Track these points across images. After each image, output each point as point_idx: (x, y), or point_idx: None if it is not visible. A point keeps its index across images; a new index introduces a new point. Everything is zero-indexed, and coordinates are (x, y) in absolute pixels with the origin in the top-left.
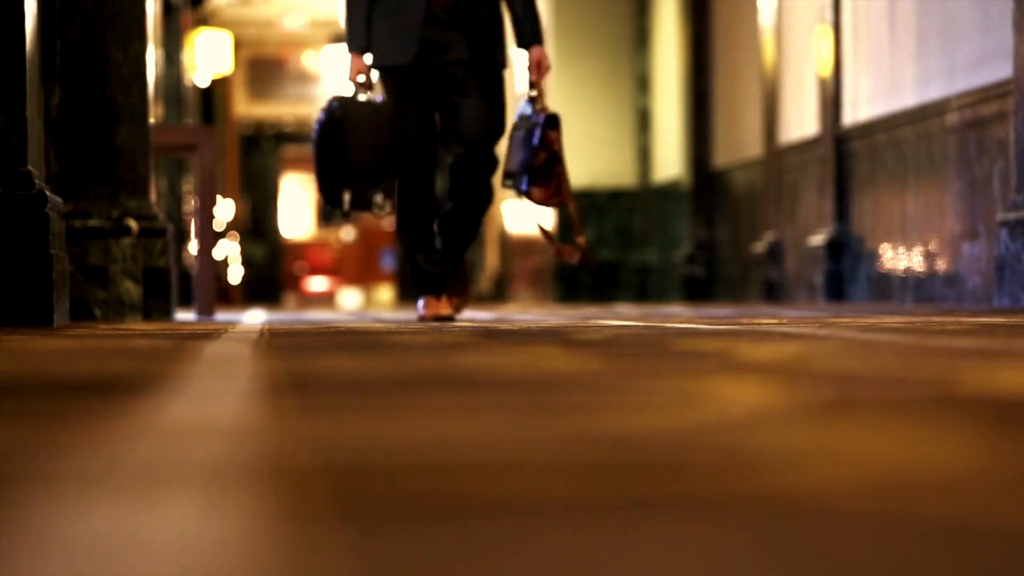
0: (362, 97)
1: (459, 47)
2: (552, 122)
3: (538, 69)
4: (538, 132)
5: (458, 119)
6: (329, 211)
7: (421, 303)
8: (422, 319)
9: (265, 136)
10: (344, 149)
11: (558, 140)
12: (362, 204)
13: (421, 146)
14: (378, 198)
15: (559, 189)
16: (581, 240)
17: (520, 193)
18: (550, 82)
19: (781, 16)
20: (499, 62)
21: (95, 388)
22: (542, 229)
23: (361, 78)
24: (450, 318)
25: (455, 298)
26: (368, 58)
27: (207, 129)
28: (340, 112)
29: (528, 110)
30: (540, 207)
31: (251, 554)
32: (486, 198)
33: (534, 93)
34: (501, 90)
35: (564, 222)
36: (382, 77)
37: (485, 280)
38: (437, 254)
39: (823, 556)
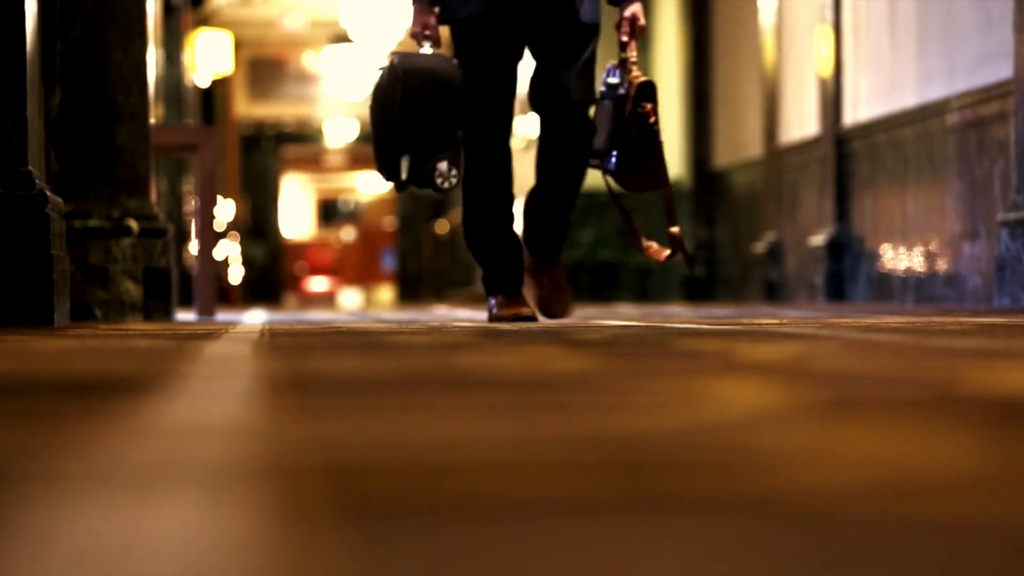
0: (426, 50)
1: None
2: (646, 91)
3: (631, 28)
4: (628, 105)
5: (544, 75)
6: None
7: (493, 302)
8: (497, 319)
9: (265, 136)
10: (401, 108)
11: (654, 112)
12: (422, 176)
13: (496, 112)
14: (442, 165)
15: (655, 172)
16: (676, 231)
17: (607, 173)
18: None
19: (781, 16)
20: (587, 18)
21: (95, 388)
22: (628, 222)
23: (424, 32)
24: (532, 318)
25: (557, 305)
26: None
27: (207, 129)
28: (399, 66)
29: (616, 79)
30: (636, 194)
31: (251, 554)
32: (580, 169)
33: (627, 56)
34: (590, 46)
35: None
36: (453, 34)
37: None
38: (515, 243)
39: (823, 556)
